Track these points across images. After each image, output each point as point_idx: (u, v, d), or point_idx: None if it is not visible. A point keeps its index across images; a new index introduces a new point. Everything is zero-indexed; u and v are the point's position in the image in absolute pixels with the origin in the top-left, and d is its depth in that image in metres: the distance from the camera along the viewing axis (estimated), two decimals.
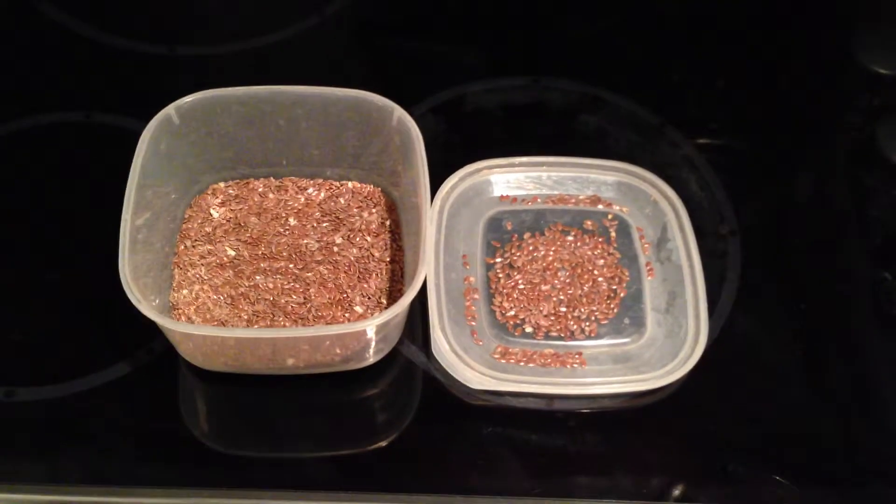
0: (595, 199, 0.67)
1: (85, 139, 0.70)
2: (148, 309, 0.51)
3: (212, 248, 0.62)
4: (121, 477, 0.56)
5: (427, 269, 0.54)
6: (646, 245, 0.65)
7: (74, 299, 0.62)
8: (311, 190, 0.65)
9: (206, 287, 0.60)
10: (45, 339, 0.60)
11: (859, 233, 0.68)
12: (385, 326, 0.54)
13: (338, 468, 0.57)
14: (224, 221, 0.63)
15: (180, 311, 0.59)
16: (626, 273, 0.64)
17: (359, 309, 0.60)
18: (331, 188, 0.65)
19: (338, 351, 0.56)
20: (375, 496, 0.55)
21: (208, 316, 0.59)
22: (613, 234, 0.66)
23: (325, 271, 0.61)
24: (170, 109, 0.59)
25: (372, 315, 0.60)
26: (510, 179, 0.67)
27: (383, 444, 0.58)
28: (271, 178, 0.65)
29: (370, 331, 0.54)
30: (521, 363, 0.60)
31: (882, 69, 0.73)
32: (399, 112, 0.59)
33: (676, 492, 0.56)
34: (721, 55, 0.77)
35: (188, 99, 0.59)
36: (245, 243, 0.62)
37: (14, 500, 0.55)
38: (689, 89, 0.75)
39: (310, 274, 0.61)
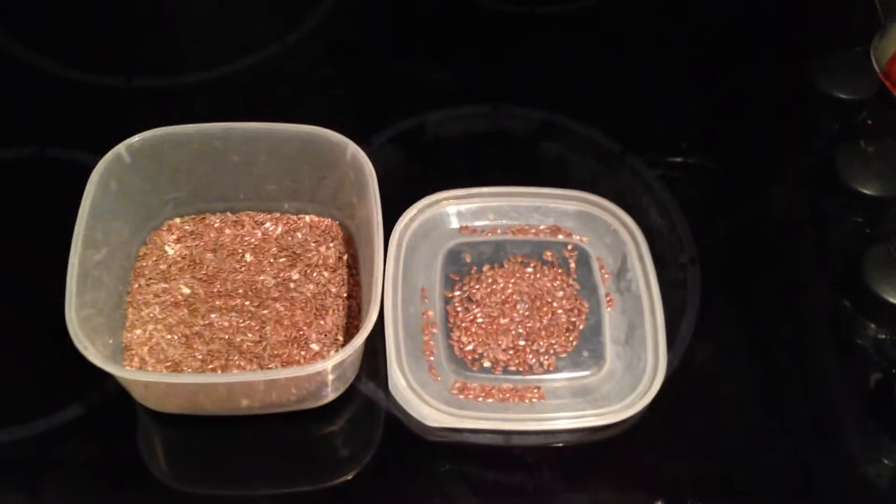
0: (555, 229, 0.67)
1: (39, 175, 0.69)
2: (95, 356, 0.50)
3: (166, 286, 0.61)
4: None
5: (381, 307, 0.54)
6: (605, 275, 0.65)
7: (25, 340, 0.61)
8: (268, 224, 0.64)
9: (159, 326, 0.59)
10: None
11: (819, 260, 0.68)
12: (340, 366, 0.53)
13: None
14: (179, 258, 0.62)
15: (133, 351, 0.58)
16: (586, 305, 0.63)
17: (315, 346, 0.59)
18: (288, 222, 0.64)
19: (293, 391, 0.55)
20: None
21: (162, 356, 0.58)
22: (573, 264, 0.65)
23: (282, 308, 0.61)
24: (119, 148, 0.58)
25: (328, 353, 0.59)
26: (470, 210, 0.67)
27: (341, 482, 0.57)
28: (228, 213, 0.65)
29: (325, 371, 0.53)
30: (480, 398, 0.59)
31: (842, 94, 0.73)
32: (353, 148, 0.59)
33: None
34: (683, 82, 0.78)
35: (137, 138, 0.58)
36: (200, 281, 0.62)
37: None
38: (651, 116, 0.75)
39: (266, 311, 0.60)
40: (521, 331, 0.62)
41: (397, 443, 0.58)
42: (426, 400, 0.58)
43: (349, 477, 0.57)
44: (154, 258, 0.62)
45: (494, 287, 0.64)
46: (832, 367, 0.63)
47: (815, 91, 0.74)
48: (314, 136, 0.59)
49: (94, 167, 0.57)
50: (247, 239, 0.64)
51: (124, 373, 0.54)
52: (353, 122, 0.63)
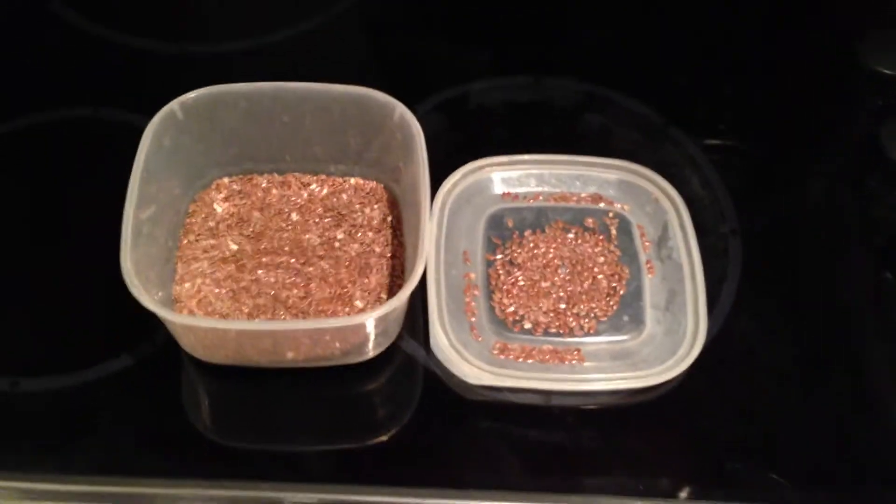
0: (597, 198, 0.67)
1: (92, 134, 0.71)
2: (149, 301, 0.51)
3: (215, 242, 0.62)
4: (123, 468, 0.56)
5: (426, 265, 0.55)
6: (646, 243, 0.65)
7: (79, 292, 0.62)
8: (313, 186, 0.65)
9: (208, 281, 0.61)
10: (49, 331, 0.61)
11: (861, 234, 0.68)
12: (384, 320, 0.54)
13: (337, 461, 0.57)
14: (227, 216, 0.64)
15: (182, 304, 0.60)
16: (626, 271, 0.64)
17: (359, 304, 0.60)
18: (333, 184, 0.66)
19: (337, 345, 0.56)
20: (373, 489, 0.56)
21: (210, 309, 0.59)
22: (614, 231, 0.66)
23: (327, 266, 0.62)
24: (174, 105, 0.59)
25: (372, 310, 0.60)
26: (512, 177, 0.68)
27: (382, 438, 0.58)
28: (275, 174, 0.66)
29: (369, 324, 0.54)
30: (520, 359, 0.60)
31: (887, 70, 0.73)
32: (401, 109, 0.60)
33: (674, 489, 0.56)
34: (726, 56, 0.78)
35: (192, 95, 0.60)
36: (248, 238, 0.63)
37: (19, 489, 0.56)
38: (694, 89, 0.75)
39: (311, 269, 0.61)
40: (561, 294, 0.63)
41: (438, 400, 0.59)
42: (467, 358, 0.58)
43: (390, 433, 0.58)
44: (203, 215, 0.64)
45: (536, 252, 0.64)
46: (873, 340, 0.63)
47: (859, 66, 0.73)
48: (362, 96, 0.60)
49: (143, 128, 0.59)
50: (293, 199, 0.65)
51: (177, 318, 0.55)
52: (396, 91, 0.63)
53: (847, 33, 0.75)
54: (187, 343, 0.57)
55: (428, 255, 0.58)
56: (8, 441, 0.57)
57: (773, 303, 0.64)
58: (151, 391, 0.59)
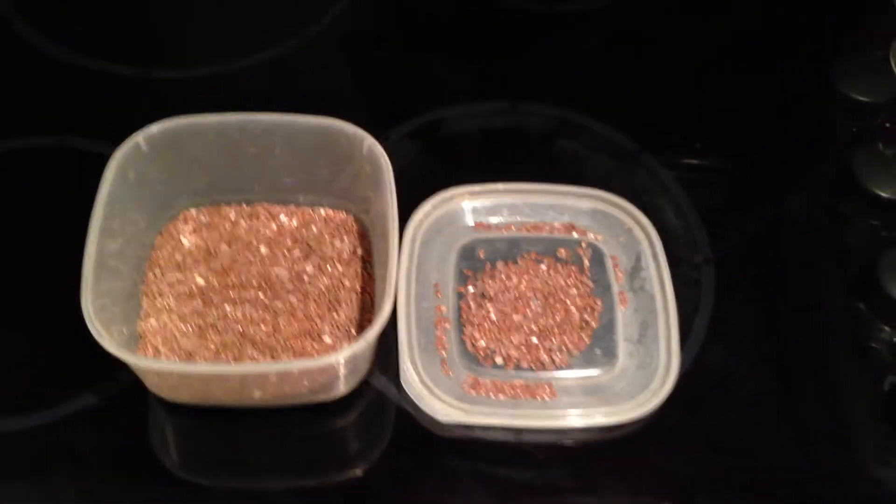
0: (570, 227, 0.67)
1: (57, 164, 0.69)
2: (110, 343, 0.50)
3: (181, 276, 0.61)
4: None
5: (395, 301, 0.54)
6: (619, 274, 0.65)
7: (39, 327, 0.61)
8: (283, 217, 0.64)
9: (173, 316, 0.60)
10: (8, 369, 0.60)
11: (836, 262, 0.67)
12: (353, 359, 0.53)
13: (307, 501, 0.57)
14: (194, 249, 0.63)
15: (147, 340, 0.59)
16: (599, 303, 0.63)
17: (328, 339, 0.59)
18: (303, 215, 0.65)
19: (306, 383, 0.55)
20: None
21: (175, 346, 0.58)
22: (587, 262, 0.65)
23: (295, 301, 0.61)
24: (138, 137, 0.58)
25: (341, 346, 0.59)
26: (485, 206, 0.67)
27: (353, 477, 0.57)
28: (243, 205, 0.65)
29: (338, 364, 0.54)
30: (491, 395, 0.59)
31: (859, 96, 0.72)
32: (369, 141, 0.59)
33: None
34: (700, 82, 0.77)
35: (155, 127, 0.58)
36: (215, 272, 0.62)
37: None
38: (668, 115, 0.75)
39: (279, 303, 0.60)
40: (534, 328, 0.62)
41: (409, 437, 0.58)
42: (438, 395, 0.58)
43: (360, 471, 0.57)
44: (169, 248, 0.63)
45: (508, 283, 0.64)
46: (846, 370, 0.62)
47: (833, 93, 0.73)
48: (331, 128, 0.59)
49: (109, 156, 0.58)
50: (262, 231, 0.64)
51: (139, 361, 0.54)
52: (370, 117, 0.62)
53: (820, 59, 0.75)
54: (152, 384, 0.56)
55: (399, 288, 0.58)
56: None
57: (747, 333, 0.64)
58: (117, 431, 0.58)
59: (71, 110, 0.73)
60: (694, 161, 0.72)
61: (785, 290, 0.66)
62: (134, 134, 0.58)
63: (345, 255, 0.63)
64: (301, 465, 0.58)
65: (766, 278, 0.66)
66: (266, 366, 0.56)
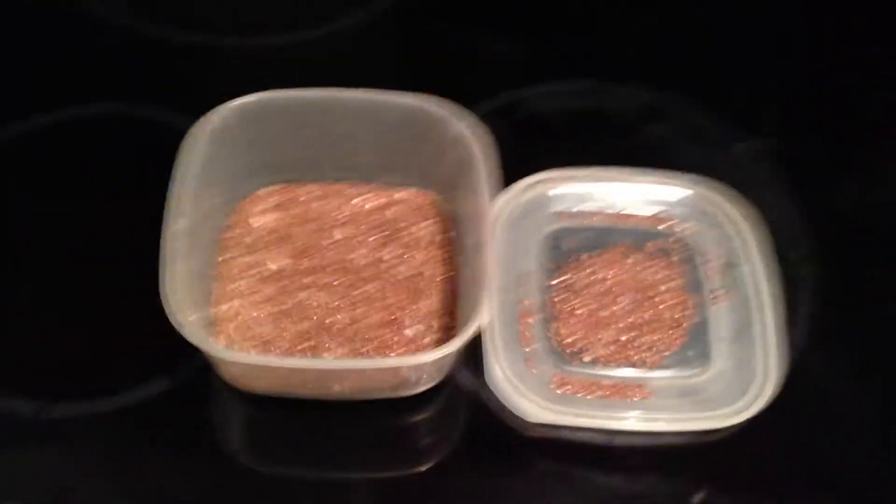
0: (659, 218, 0.63)
1: (127, 135, 0.67)
2: (191, 331, 0.48)
3: (253, 259, 0.58)
4: (157, 500, 0.53)
5: (490, 301, 0.51)
6: (713, 269, 0.61)
7: (110, 310, 0.58)
8: (359, 199, 0.61)
9: (246, 303, 0.57)
10: (79, 353, 0.57)
11: None
12: (440, 360, 0.50)
13: (382, 497, 0.54)
14: (267, 231, 0.60)
15: (220, 328, 0.56)
16: (691, 300, 0.60)
17: (409, 332, 0.56)
18: (381, 198, 0.61)
19: (388, 379, 0.52)
20: None
21: (249, 334, 0.56)
22: (678, 256, 0.62)
23: (374, 289, 0.58)
24: (216, 113, 0.55)
25: (423, 338, 0.56)
26: (570, 193, 0.63)
27: (430, 473, 0.54)
28: (318, 186, 0.62)
29: (425, 364, 0.51)
30: (580, 394, 0.56)
31: None
32: (460, 122, 0.55)
33: None
34: (803, 64, 0.72)
35: (236, 103, 0.56)
36: (289, 256, 0.59)
37: None
38: (769, 99, 0.70)
39: (357, 292, 0.57)
40: (622, 325, 0.59)
41: (491, 436, 0.55)
42: (524, 393, 0.54)
43: (439, 469, 0.54)
44: (241, 230, 0.60)
45: (595, 277, 0.60)
46: None
47: None
48: (418, 106, 0.56)
49: (182, 127, 0.55)
50: (336, 214, 0.61)
51: (223, 353, 0.51)
52: (448, 96, 0.59)
53: None
54: (227, 373, 0.53)
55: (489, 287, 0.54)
56: (36, 470, 0.53)
57: (854, 338, 0.59)
58: (188, 418, 0.55)
59: (142, 79, 0.70)
60: (798, 148, 0.67)
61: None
62: (212, 110, 0.56)
63: (424, 242, 0.60)
64: (376, 459, 0.55)
65: (876, 278, 0.62)
66: (349, 363, 0.53)
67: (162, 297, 0.49)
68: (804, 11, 0.75)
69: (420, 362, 0.49)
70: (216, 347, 0.50)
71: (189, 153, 0.54)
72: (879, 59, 0.72)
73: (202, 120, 0.55)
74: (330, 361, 0.54)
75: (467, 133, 0.55)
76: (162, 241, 0.51)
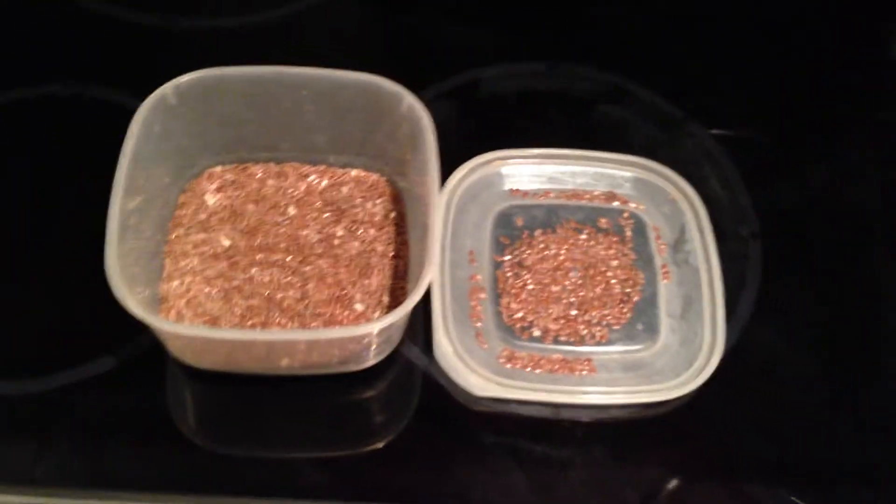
0: (611, 196, 0.64)
1: (76, 115, 0.66)
2: (134, 305, 0.48)
3: (206, 236, 0.59)
4: (105, 479, 0.53)
5: (434, 269, 0.51)
6: (662, 246, 0.62)
7: (56, 286, 0.59)
8: (312, 177, 0.62)
9: (198, 279, 0.57)
10: (24, 330, 0.57)
11: (888, 237, 0.64)
12: (387, 330, 0.51)
13: (332, 472, 0.54)
14: (220, 209, 0.60)
15: (170, 303, 0.56)
16: (641, 276, 0.61)
17: (359, 307, 0.57)
18: (334, 176, 0.62)
19: (336, 353, 0.53)
20: None
21: (200, 310, 0.56)
22: (629, 233, 0.62)
23: (325, 265, 0.58)
24: (166, 89, 0.55)
25: (373, 313, 0.57)
26: (522, 172, 0.64)
27: (380, 449, 0.55)
28: (271, 164, 0.62)
29: (372, 334, 0.51)
30: (528, 369, 0.57)
31: None
32: (409, 99, 0.56)
33: None
34: (750, 47, 0.74)
35: (185, 78, 0.55)
36: (241, 233, 0.59)
37: None
38: (716, 82, 0.71)
39: (308, 268, 0.58)
40: (573, 300, 0.59)
41: (440, 411, 0.56)
42: (472, 368, 0.55)
43: (388, 444, 0.55)
44: (193, 207, 0.60)
45: (546, 253, 0.61)
46: None
47: (887, 59, 0.70)
48: (368, 84, 0.56)
49: (134, 109, 0.55)
50: (290, 191, 0.61)
51: (167, 325, 0.51)
52: (402, 75, 0.59)
53: (874, 23, 0.71)
54: (174, 348, 0.53)
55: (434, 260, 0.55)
56: None
57: (796, 311, 0.61)
58: (136, 396, 0.56)
59: (93, 59, 0.70)
60: (741, 129, 0.68)
61: (835, 265, 0.63)
62: (162, 86, 0.55)
63: (377, 219, 0.60)
64: (326, 435, 0.55)
65: (815, 253, 0.63)
66: (298, 333, 0.54)
67: (107, 272, 0.49)
68: (760, 3, 0.76)
69: (360, 333, 0.49)
70: (158, 320, 0.50)
71: (137, 130, 0.53)
72: (827, 51, 0.73)
73: (150, 97, 0.55)
74: (271, 333, 0.54)
75: (418, 112, 0.55)
76: (109, 219, 0.51)
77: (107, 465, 0.53)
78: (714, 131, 0.67)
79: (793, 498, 0.54)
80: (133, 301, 0.48)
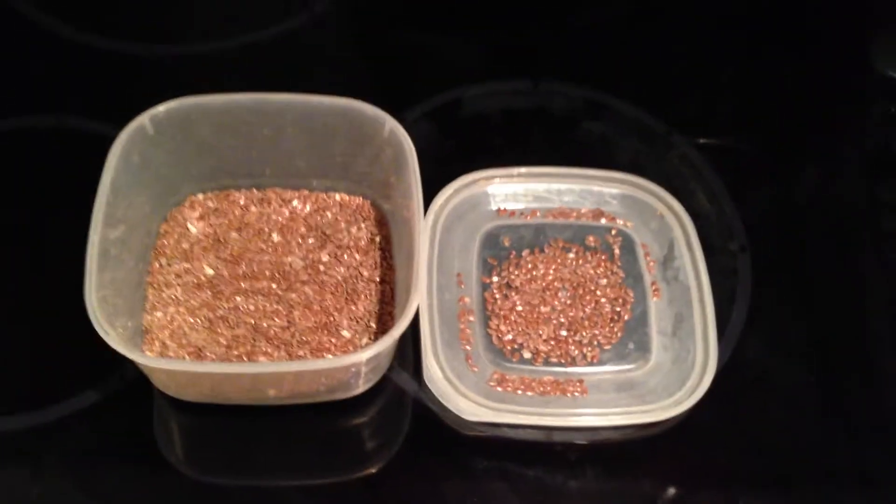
0: (598, 213, 0.63)
1: (55, 145, 0.65)
2: (116, 341, 0.47)
3: (189, 266, 0.58)
4: None
5: (420, 295, 0.51)
6: (651, 263, 0.61)
7: (38, 321, 0.58)
8: (295, 202, 0.61)
9: (181, 309, 0.56)
10: (6, 365, 0.56)
11: (877, 248, 0.64)
12: (375, 358, 0.50)
13: (322, 501, 0.53)
14: (202, 237, 0.59)
15: (154, 335, 0.55)
16: (631, 294, 0.60)
17: (346, 333, 0.56)
18: (317, 201, 0.61)
19: (323, 381, 0.52)
20: None
21: (184, 341, 0.55)
22: (617, 251, 0.62)
23: (311, 292, 0.57)
24: (143, 118, 0.54)
25: (360, 340, 0.56)
26: (508, 191, 0.63)
27: (370, 477, 0.54)
28: (254, 190, 0.61)
29: (360, 363, 0.50)
30: (519, 391, 0.56)
31: None
32: (391, 123, 0.55)
33: None
34: (733, 61, 0.73)
35: (162, 108, 0.55)
36: (225, 261, 0.58)
37: None
38: (699, 96, 0.71)
39: (294, 295, 0.57)
40: (562, 320, 0.59)
41: (431, 436, 0.55)
42: (463, 392, 0.54)
43: (379, 471, 0.54)
44: (176, 236, 0.59)
45: (535, 273, 0.60)
46: (890, 362, 0.59)
47: (871, 72, 0.70)
48: (349, 109, 0.56)
49: (113, 138, 0.54)
50: (273, 217, 0.60)
51: (148, 360, 0.50)
52: (383, 96, 0.58)
53: (858, 36, 0.71)
54: (159, 381, 0.52)
55: (420, 285, 0.54)
56: None
57: (787, 325, 0.60)
58: (121, 429, 0.55)
59: (70, 89, 0.69)
60: (727, 143, 0.68)
61: (824, 278, 0.62)
62: (139, 115, 0.55)
63: (362, 244, 0.59)
64: (315, 464, 0.55)
65: (804, 267, 0.63)
66: (284, 365, 0.53)
67: (87, 305, 0.48)
68: (739, 14, 0.76)
69: (348, 363, 0.48)
70: (140, 355, 0.49)
71: (115, 160, 0.53)
72: (811, 58, 0.73)
73: (129, 126, 0.54)
74: (258, 365, 0.53)
75: (400, 136, 0.55)
76: (88, 249, 0.50)
77: (96, 497, 0.53)
78: (699, 140, 0.67)
79: None
80: (114, 336, 0.47)
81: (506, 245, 0.62)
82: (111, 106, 0.58)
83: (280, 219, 0.60)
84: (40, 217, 0.62)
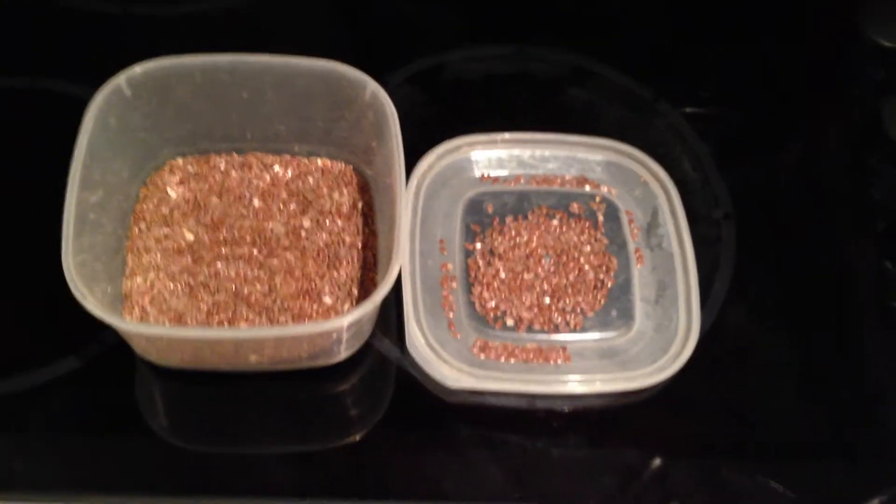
0: (582, 180, 0.63)
1: (29, 108, 0.64)
2: (94, 305, 0.46)
3: (169, 231, 0.57)
4: (74, 481, 0.52)
5: (402, 260, 0.50)
6: (635, 230, 0.61)
7: (16, 287, 0.57)
8: (277, 167, 0.60)
9: (161, 275, 0.55)
10: None
11: (861, 218, 0.64)
12: (356, 323, 0.50)
13: (305, 468, 0.53)
14: (182, 202, 0.58)
15: (133, 301, 0.54)
16: (614, 261, 0.60)
17: (328, 300, 0.55)
18: (299, 166, 0.60)
19: (305, 348, 0.51)
20: (344, 502, 0.52)
21: (164, 307, 0.54)
22: (601, 218, 0.61)
23: (292, 258, 0.57)
24: (119, 80, 0.53)
25: (342, 306, 0.55)
26: (492, 157, 0.63)
27: (353, 444, 0.54)
28: (234, 154, 0.60)
29: (342, 328, 0.50)
30: (502, 358, 0.56)
31: (888, 43, 0.68)
32: (373, 86, 0.54)
33: (667, 497, 0.53)
34: (721, 28, 0.72)
35: (139, 68, 0.54)
36: (205, 226, 0.57)
37: None
38: (686, 62, 0.70)
39: (275, 261, 0.56)
40: (546, 287, 0.58)
41: (414, 403, 0.55)
42: (445, 359, 0.54)
43: (362, 438, 0.54)
44: (155, 201, 0.58)
45: (518, 240, 0.60)
46: (872, 331, 0.59)
47: (860, 38, 0.69)
48: (330, 72, 0.55)
49: (89, 100, 0.53)
50: (254, 182, 0.59)
51: (127, 325, 0.50)
52: (365, 59, 0.57)
53: (848, 2, 0.71)
54: (139, 347, 0.52)
55: (402, 249, 0.54)
56: None
57: (769, 293, 0.60)
58: (101, 396, 0.54)
59: (45, 49, 0.67)
60: (712, 109, 0.67)
61: (808, 247, 0.62)
62: (115, 76, 0.54)
63: (344, 209, 0.59)
64: (298, 431, 0.54)
65: (788, 235, 0.63)
66: (265, 330, 0.52)
67: (65, 268, 0.47)
68: None
69: (329, 328, 0.48)
70: (119, 320, 0.48)
71: (91, 123, 0.52)
72: (799, 29, 0.72)
73: (105, 87, 0.53)
74: (238, 331, 0.53)
75: (382, 100, 0.54)
76: (65, 213, 0.49)
77: (77, 465, 0.52)
78: (686, 109, 0.66)
79: (770, 482, 0.53)
80: (92, 301, 0.47)
81: (489, 212, 0.61)
82: (87, 68, 0.57)
83: (261, 184, 0.59)
84: (15, 182, 0.61)
